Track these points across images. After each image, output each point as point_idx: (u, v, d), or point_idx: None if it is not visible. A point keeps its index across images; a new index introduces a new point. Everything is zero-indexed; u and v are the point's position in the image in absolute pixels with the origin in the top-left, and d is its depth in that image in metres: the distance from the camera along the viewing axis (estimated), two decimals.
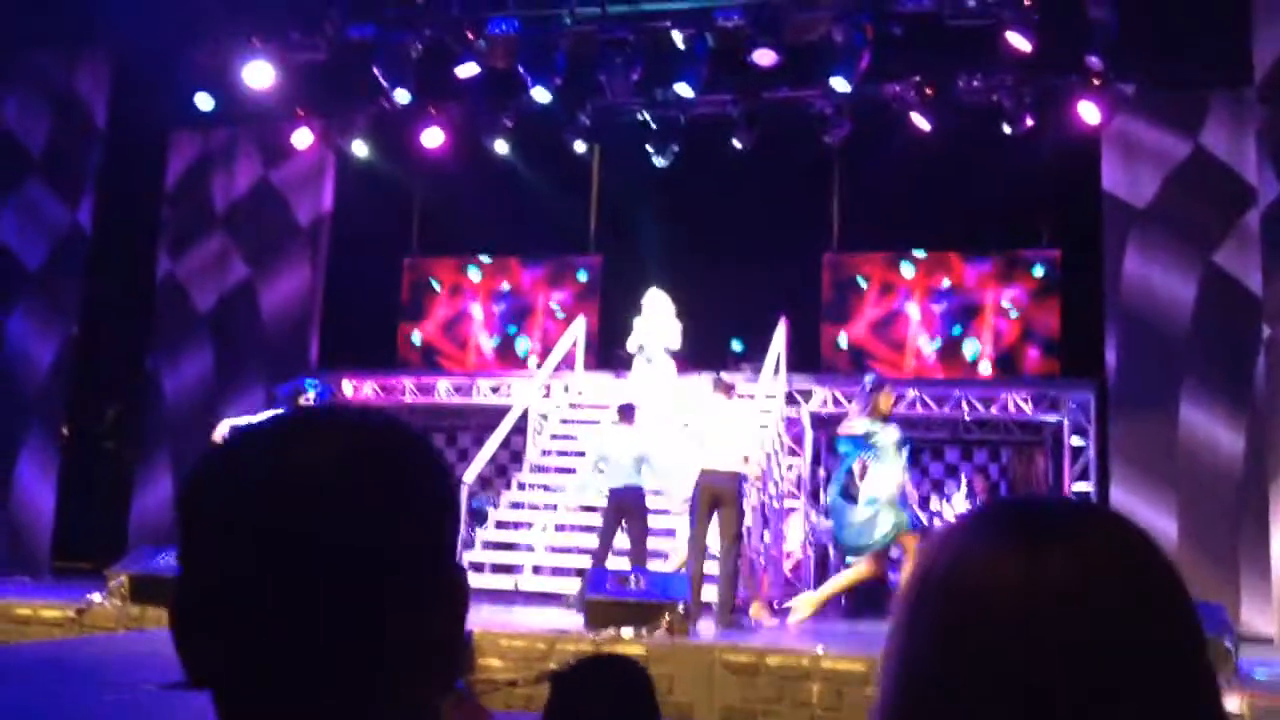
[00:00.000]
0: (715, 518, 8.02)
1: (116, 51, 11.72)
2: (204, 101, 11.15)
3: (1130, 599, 0.68)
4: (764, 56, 10.16)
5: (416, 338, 14.12)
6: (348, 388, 12.66)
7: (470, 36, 10.39)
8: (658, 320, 10.37)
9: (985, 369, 12.45)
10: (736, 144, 11.88)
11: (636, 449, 8.47)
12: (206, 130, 12.70)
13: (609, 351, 13.05)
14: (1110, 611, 0.67)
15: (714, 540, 8.15)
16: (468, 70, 10.49)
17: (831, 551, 11.72)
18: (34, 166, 11.76)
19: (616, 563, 8.50)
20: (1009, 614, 0.67)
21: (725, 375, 8.80)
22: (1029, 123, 10.87)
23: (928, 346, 12.70)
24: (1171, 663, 0.68)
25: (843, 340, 12.94)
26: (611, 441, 8.67)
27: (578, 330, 12.42)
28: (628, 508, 8.35)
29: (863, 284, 12.97)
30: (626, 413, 8.86)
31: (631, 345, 10.72)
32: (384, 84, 10.56)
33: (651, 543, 8.75)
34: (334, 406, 0.89)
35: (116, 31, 11.28)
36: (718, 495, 7.91)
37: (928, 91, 11.21)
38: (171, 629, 0.75)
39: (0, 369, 11.43)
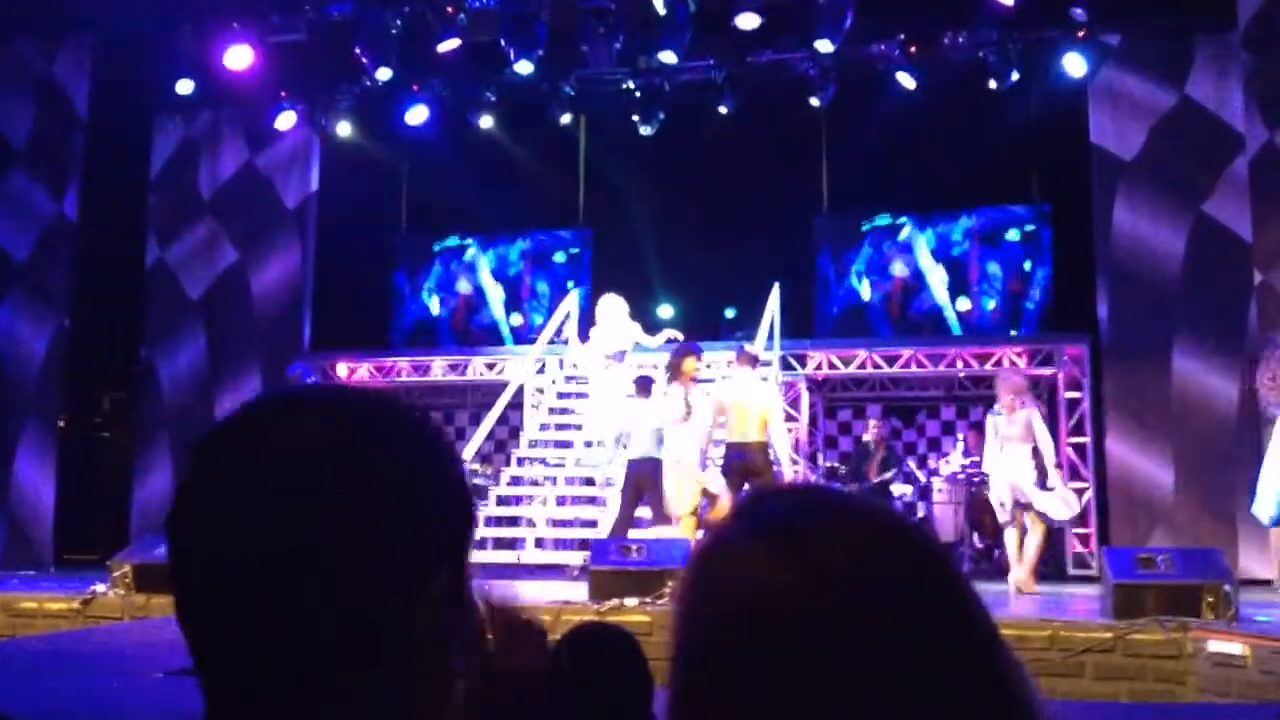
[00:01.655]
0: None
1: (96, 38, 11.60)
2: (185, 86, 11.07)
3: (866, 592, 0.65)
4: (747, 20, 10.10)
5: (409, 316, 14.09)
6: (342, 369, 12.65)
7: (450, 11, 10.31)
8: (611, 327, 10.13)
9: (978, 325, 12.46)
10: (722, 109, 11.83)
11: (654, 421, 8.48)
12: (190, 115, 12.62)
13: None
14: (839, 606, 0.64)
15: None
16: (449, 45, 10.41)
17: None
18: (16, 157, 11.67)
19: (637, 535, 8.53)
20: (730, 616, 0.66)
21: (749, 345, 8.75)
22: (1015, 78, 10.82)
23: (920, 304, 12.71)
24: (950, 637, 0.66)
25: (836, 302, 12.93)
26: (630, 415, 8.69)
27: (570, 304, 12.40)
28: (647, 479, 8.36)
29: (854, 245, 12.95)
30: (644, 386, 8.85)
31: (591, 353, 10.40)
32: (365, 62, 10.49)
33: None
34: (332, 385, 0.88)
35: (95, 18, 11.18)
36: (749, 467, 7.91)
37: (913, 50, 11.15)
38: (177, 615, 0.74)
39: None
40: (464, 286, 14.02)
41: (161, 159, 12.82)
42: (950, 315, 12.64)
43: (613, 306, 10.20)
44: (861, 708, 0.63)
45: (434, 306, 14.10)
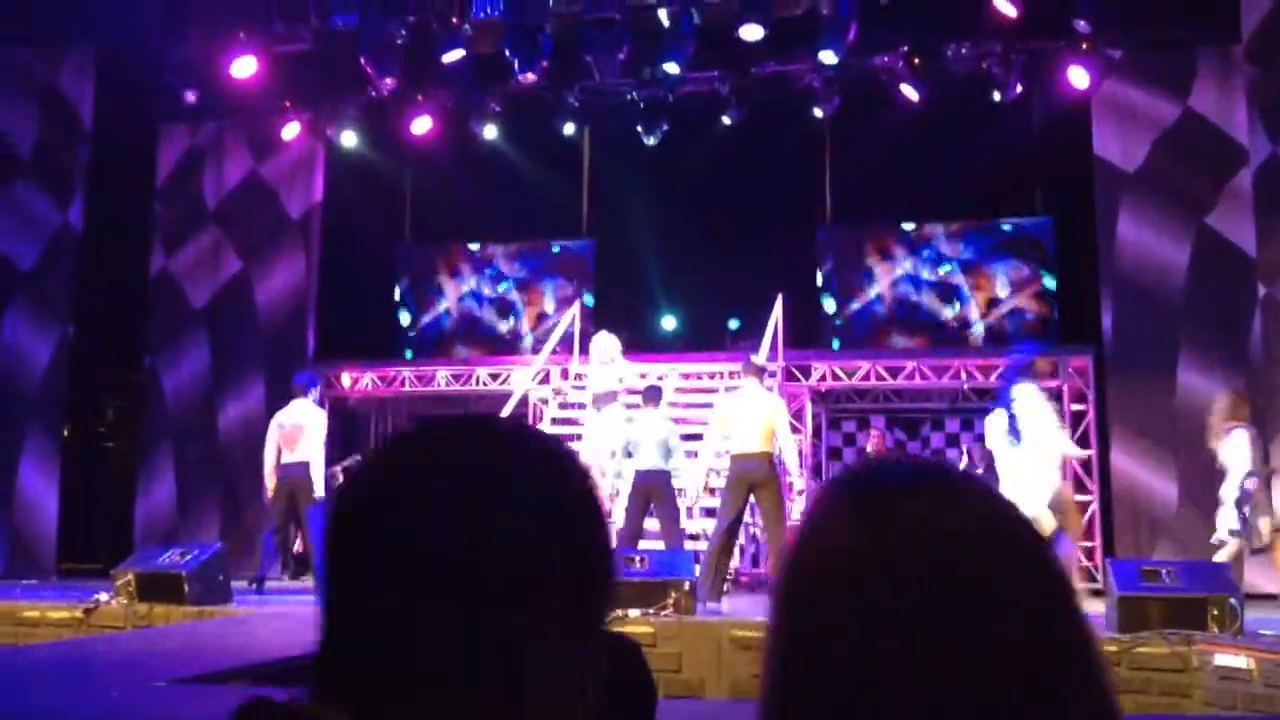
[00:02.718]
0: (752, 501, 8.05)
1: (101, 48, 11.64)
2: (190, 96, 11.10)
3: (992, 548, 0.67)
4: (751, 31, 10.11)
5: (413, 327, 14.10)
6: (346, 378, 12.66)
7: (455, 22, 10.34)
8: (603, 367, 10.00)
9: (982, 337, 12.46)
10: (726, 120, 11.86)
11: (661, 434, 8.47)
12: (195, 125, 12.65)
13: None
14: (947, 572, 0.65)
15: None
16: (454, 56, 10.44)
17: None
18: (22, 167, 11.70)
19: (645, 546, 8.52)
20: (845, 586, 0.66)
21: (755, 357, 8.72)
22: (1018, 90, 10.85)
23: (924, 315, 12.70)
24: (1042, 604, 0.67)
25: (839, 314, 12.93)
26: (638, 425, 8.67)
27: (574, 314, 12.41)
28: (654, 490, 8.33)
29: (858, 257, 12.96)
30: (652, 395, 8.82)
31: (588, 395, 10.16)
32: (370, 73, 10.51)
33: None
34: (476, 417, 0.90)
35: (100, 28, 11.21)
36: (754, 479, 7.87)
37: (916, 61, 11.17)
38: (319, 648, 0.75)
39: None
40: (467, 296, 14.03)
41: (166, 168, 12.85)
42: (953, 326, 12.63)
43: (605, 345, 10.03)
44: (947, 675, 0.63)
45: (438, 316, 14.10)
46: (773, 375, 11.13)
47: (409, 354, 13.73)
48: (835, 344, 12.53)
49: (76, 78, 11.76)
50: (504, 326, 13.93)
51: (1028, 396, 7.64)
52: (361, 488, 0.79)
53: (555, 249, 13.92)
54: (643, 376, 10.06)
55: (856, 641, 0.65)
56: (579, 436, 11.06)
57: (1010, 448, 7.58)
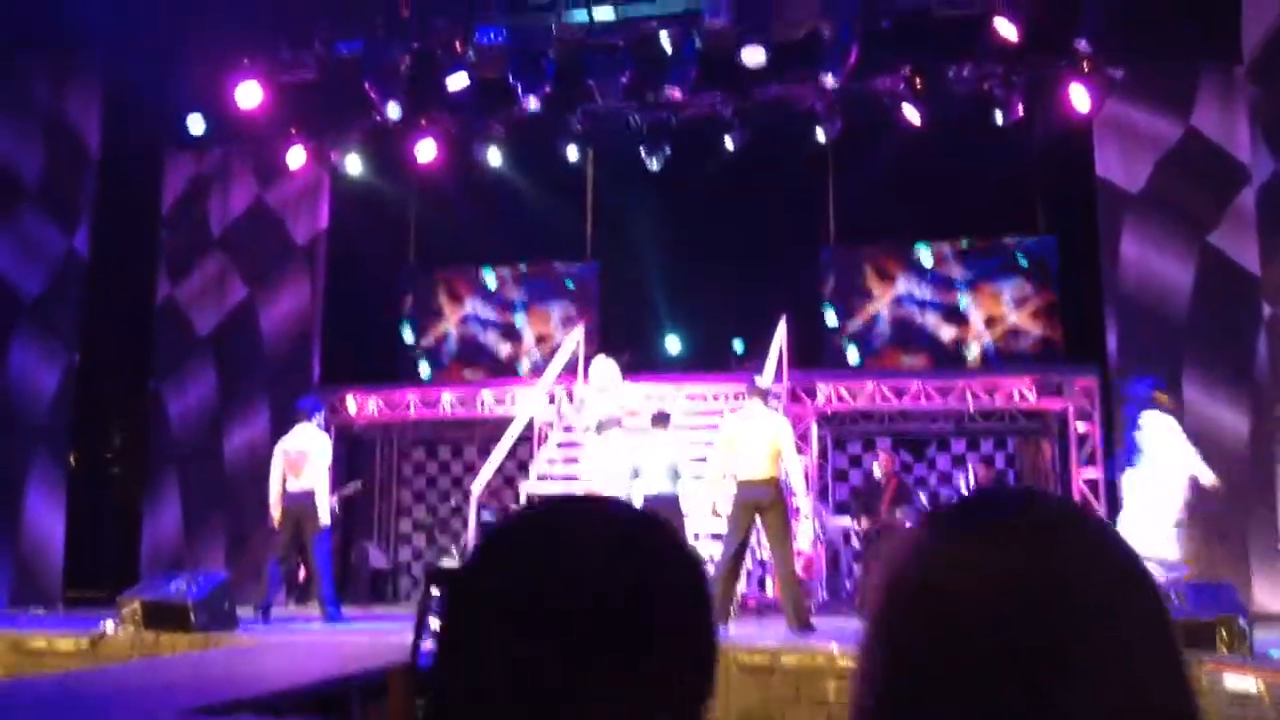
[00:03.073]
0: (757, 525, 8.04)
1: (107, 76, 11.71)
2: (196, 124, 11.16)
3: (1101, 588, 0.68)
4: (753, 55, 10.16)
5: (418, 351, 14.13)
6: (351, 403, 12.67)
7: (459, 48, 10.40)
8: (602, 392, 9.85)
9: (987, 358, 12.46)
10: (729, 143, 11.90)
11: (669, 458, 8.46)
12: (200, 152, 12.72)
13: (610, 355, 13.06)
14: (1083, 602, 0.67)
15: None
16: (458, 82, 10.49)
17: (843, 549, 11.74)
18: (28, 195, 11.75)
19: None
20: (984, 612, 0.67)
21: (759, 379, 8.70)
22: (1020, 111, 10.87)
23: (927, 336, 12.71)
24: (1147, 644, 0.68)
25: (844, 335, 12.94)
26: (646, 449, 8.66)
27: (578, 337, 12.42)
28: (664, 516, 8.31)
29: (862, 277, 12.98)
30: (661, 419, 8.82)
31: (587, 419, 10.14)
32: (375, 99, 10.57)
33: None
34: (593, 498, 0.92)
35: (106, 56, 11.28)
36: (760, 504, 7.86)
37: (918, 83, 11.21)
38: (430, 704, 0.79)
39: (3, 400, 11.42)
40: (471, 320, 14.05)
41: (172, 196, 12.91)
42: (957, 347, 12.63)
43: (605, 371, 10.00)
44: (1094, 693, 0.65)
45: (441, 340, 14.13)
46: (777, 397, 11.13)
47: (427, 375, 13.73)
48: (855, 358, 12.52)
49: (83, 106, 11.83)
50: (508, 350, 13.95)
51: (1153, 424, 7.65)
52: (491, 566, 0.82)
53: (559, 272, 13.95)
54: (648, 398, 10.05)
55: (956, 678, 0.66)
56: (573, 460, 11.12)
57: (1137, 474, 7.54)
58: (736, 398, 11.58)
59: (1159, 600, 0.71)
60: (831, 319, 12.98)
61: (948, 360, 12.52)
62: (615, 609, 0.77)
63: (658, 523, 0.86)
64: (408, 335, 14.16)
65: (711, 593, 0.86)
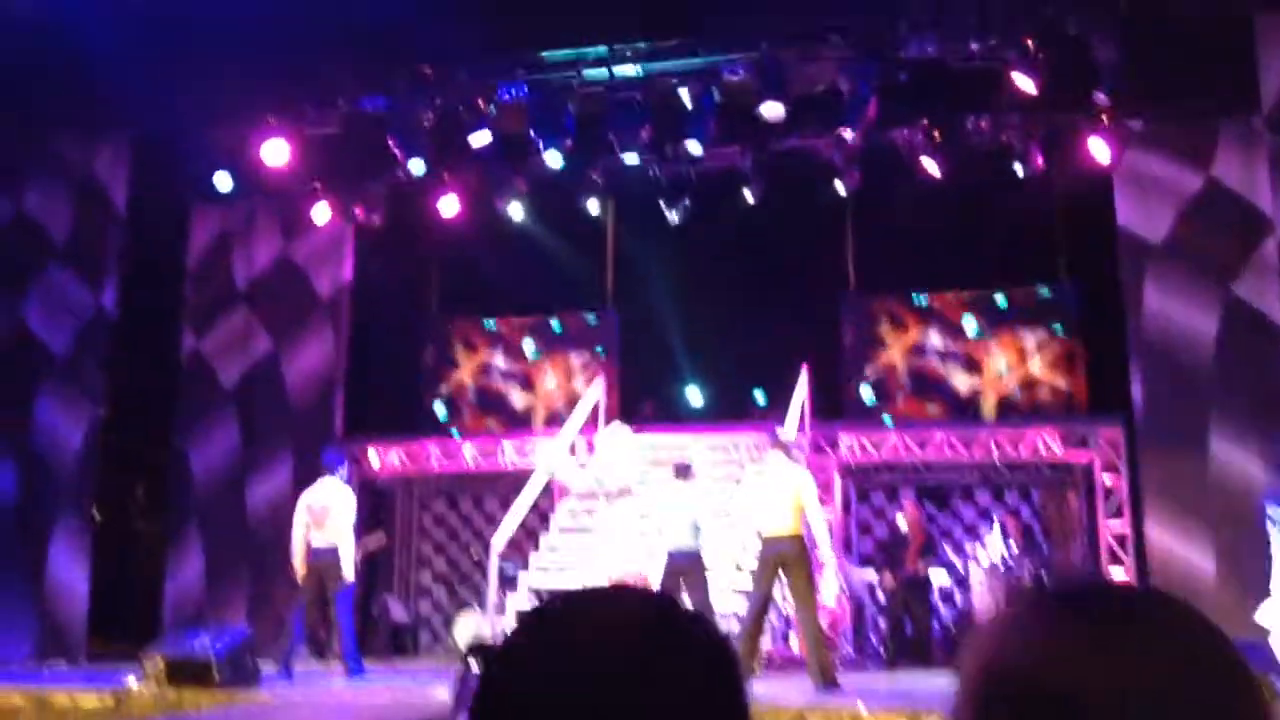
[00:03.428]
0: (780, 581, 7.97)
1: (135, 134, 11.91)
2: (223, 181, 11.32)
3: (1212, 689, 0.69)
4: (771, 109, 10.23)
5: (440, 403, 14.17)
6: (373, 456, 12.70)
7: (481, 104, 10.53)
8: (615, 457, 9.82)
9: (1007, 408, 12.38)
10: (748, 194, 11.97)
11: (691, 512, 8.42)
12: (226, 207, 12.87)
13: (631, 406, 13.08)
14: (1196, 703, 0.68)
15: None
16: (480, 138, 10.61)
17: (868, 602, 11.63)
18: (57, 252, 11.92)
19: None
20: (1099, 712, 0.67)
21: (781, 431, 8.67)
22: (1039, 162, 10.89)
23: (948, 387, 12.66)
24: None
25: (866, 385, 12.91)
26: (669, 503, 8.62)
27: (598, 389, 12.43)
28: (687, 571, 8.27)
29: (883, 328, 12.96)
30: (684, 471, 8.79)
31: (599, 484, 10.11)
32: (398, 154, 10.69)
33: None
34: (628, 590, 0.92)
35: (135, 115, 11.48)
36: (784, 559, 7.81)
37: (936, 135, 11.25)
38: None
39: (30, 455, 11.51)
40: (493, 371, 14.10)
41: (198, 251, 13.06)
42: (983, 398, 12.57)
43: (618, 437, 9.94)
44: None
45: (463, 391, 14.17)
46: (800, 449, 11.09)
47: (445, 420, 13.74)
48: (874, 409, 12.47)
49: (111, 164, 12.02)
50: (529, 400, 13.97)
51: None
52: (529, 652, 0.82)
53: (580, 323, 14.00)
54: (666, 449, 10.00)
55: None
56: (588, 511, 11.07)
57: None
58: (757, 449, 11.55)
59: (1264, 706, 0.71)
60: (851, 369, 12.95)
61: (967, 411, 12.46)
62: (649, 703, 0.77)
63: (689, 617, 0.87)
64: (429, 387, 14.20)
65: (742, 679, 0.86)
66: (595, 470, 9.89)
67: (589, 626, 0.82)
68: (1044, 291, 12.63)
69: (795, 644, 9.92)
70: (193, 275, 13.03)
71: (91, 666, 10.51)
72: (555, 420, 13.23)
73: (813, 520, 8.07)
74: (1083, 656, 0.69)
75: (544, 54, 10.46)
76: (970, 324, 12.76)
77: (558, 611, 0.85)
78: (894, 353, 12.90)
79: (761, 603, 7.89)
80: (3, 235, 11.41)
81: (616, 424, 10.18)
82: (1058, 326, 12.46)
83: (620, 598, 0.87)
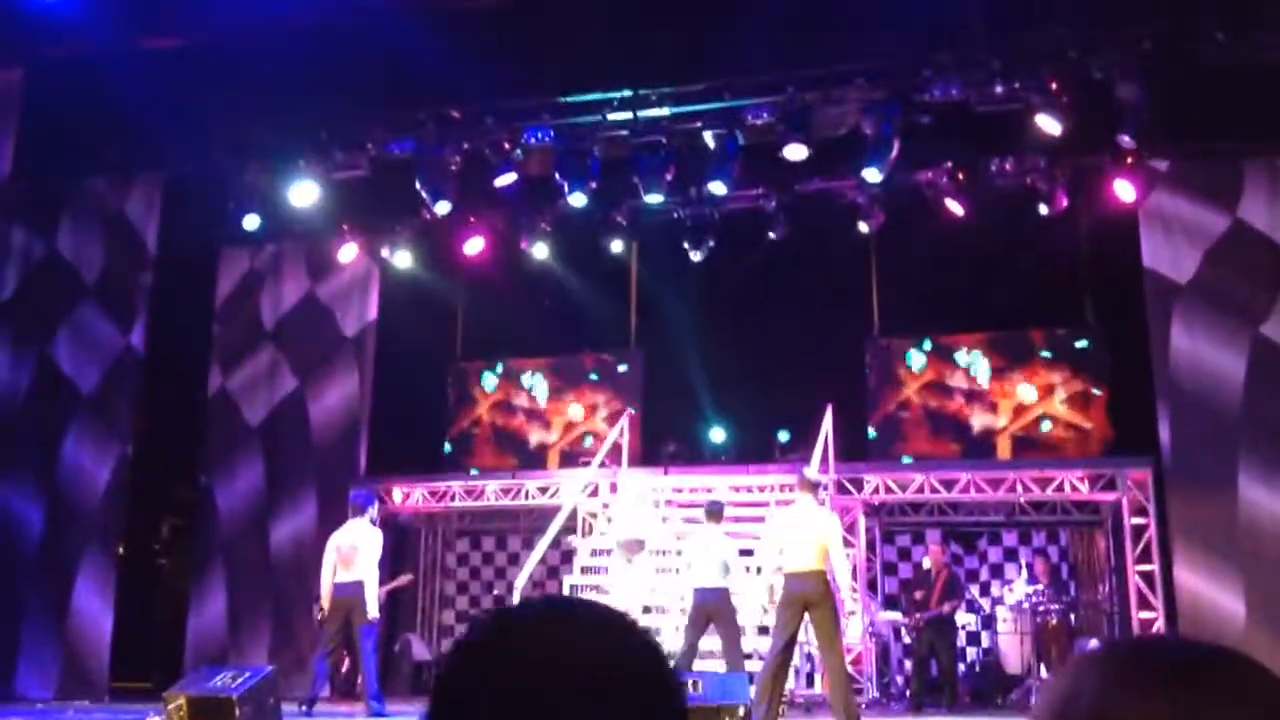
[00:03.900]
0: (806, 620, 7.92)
1: (167, 176, 12.10)
2: (251, 222, 11.46)
3: None
4: (795, 151, 10.28)
5: (462, 442, 14.19)
6: (397, 494, 12.73)
7: (507, 147, 10.63)
8: (633, 511, 9.54)
9: (1036, 450, 12.29)
10: (771, 235, 12.01)
11: (720, 550, 8.40)
12: (254, 248, 13.03)
13: (655, 446, 13.07)
14: None
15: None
16: (506, 180, 10.71)
17: (893, 643, 11.51)
18: (88, 292, 12.08)
19: (703, 666, 8.41)
20: None
21: (808, 471, 8.62)
22: (1064, 203, 10.89)
23: (977, 428, 12.57)
24: None
25: (887, 425, 12.85)
26: (697, 542, 8.60)
27: (622, 427, 12.44)
28: (714, 610, 8.25)
29: (906, 368, 12.92)
30: (714, 512, 8.76)
31: (616, 535, 9.95)
32: (425, 197, 10.80)
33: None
34: (577, 603, 0.93)
35: (167, 157, 11.67)
36: (808, 599, 7.75)
37: (960, 177, 11.29)
38: None
39: (57, 492, 11.60)
40: (518, 411, 14.12)
41: (226, 291, 13.20)
42: (1008, 438, 12.48)
43: (635, 490, 9.86)
44: None
45: (487, 431, 14.19)
46: (825, 489, 11.05)
47: (459, 468, 13.75)
48: (885, 455, 12.41)
49: (144, 206, 12.21)
50: (552, 440, 13.98)
51: None
52: (467, 672, 0.84)
53: (603, 363, 14.03)
54: (707, 505, 9.82)
55: None
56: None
57: None
58: (782, 489, 11.51)
59: None
60: (874, 409, 12.89)
61: (991, 452, 12.37)
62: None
63: (622, 623, 0.88)
64: (452, 426, 14.24)
65: (676, 681, 0.87)
66: (611, 524, 9.78)
67: (527, 649, 0.83)
68: (1069, 333, 12.56)
69: (819, 685, 9.82)
70: (220, 314, 13.17)
71: (114, 704, 10.53)
72: (578, 460, 13.23)
73: (837, 564, 8.01)
74: (1154, 707, 0.69)
75: (569, 98, 10.56)
76: (994, 365, 12.69)
77: (496, 631, 0.86)
78: (917, 393, 12.84)
79: (785, 643, 7.82)
80: (36, 275, 11.57)
81: (633, 474, 10.14)
82: (1083, 368, 12.37)
83: (556, 615, 0.87)
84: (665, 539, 10.57)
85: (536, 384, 14.15)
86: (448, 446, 14.17)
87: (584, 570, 11.27)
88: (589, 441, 13.49)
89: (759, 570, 8.84)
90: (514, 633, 0.85)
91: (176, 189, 12.04)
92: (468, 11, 9.37)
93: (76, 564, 11.58)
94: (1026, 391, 12.46)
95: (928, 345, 12.90)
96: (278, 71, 9.51)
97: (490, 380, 14.25)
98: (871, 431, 12.79)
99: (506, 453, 14.00)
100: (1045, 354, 12.54)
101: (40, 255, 11.84)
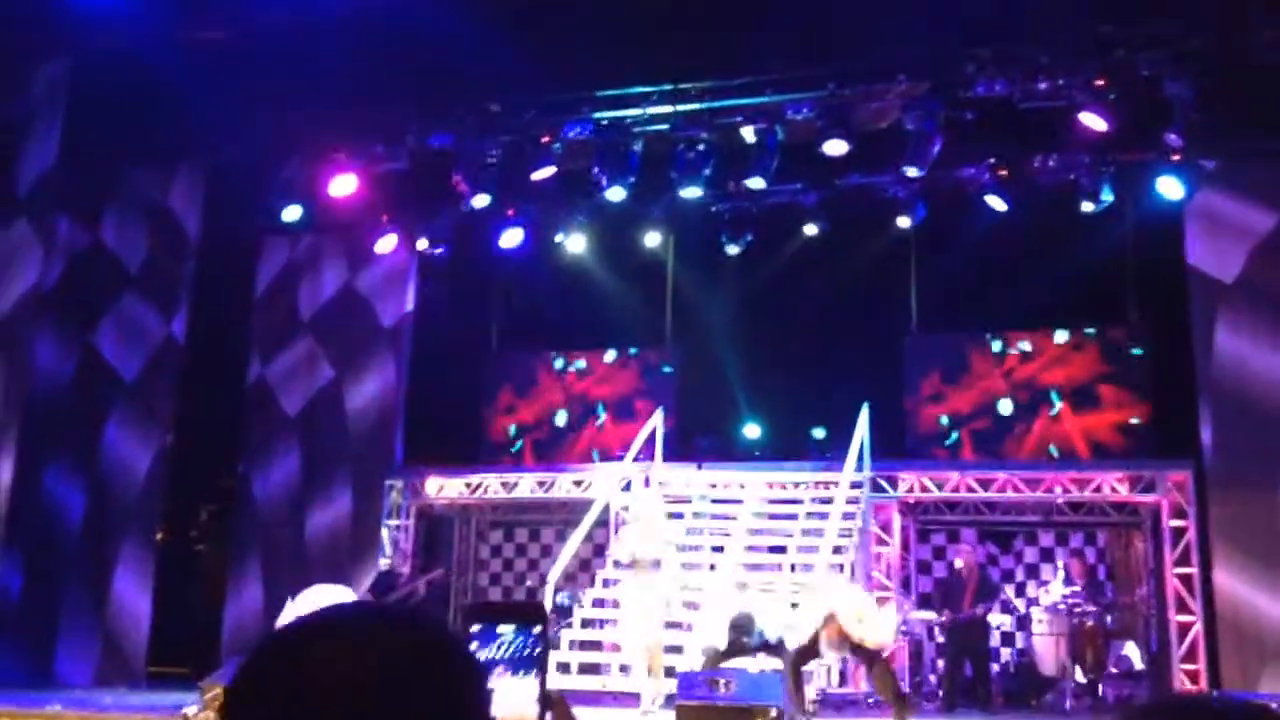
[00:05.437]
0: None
1: (210, 167, 12.20)
2: (292, 213, 11.53)
3: None
4: (835, 147, 10.21)
5: (499, 433, 14.24)
6: (433, 485, 12.79)
7: (546, 141, 10.64)
8: (646, 527, 9.22)
9: (1077, 449, 12.16)
10: (810, 230, 11.94)
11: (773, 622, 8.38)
12: (294, 238, 13.11)
13: (689, 441, 13.05)
14: None
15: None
16: (544, 173, 10.72)
17: (926, 643, 11.46)
18: (131, 281, 12.21)
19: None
20: None
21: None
22: (1108, 200, 10.74)
23: (1015, 426, 12.46)
24: None
25: (926, 423, 12.76)
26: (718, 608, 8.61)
27: (656, 422, 12.42)
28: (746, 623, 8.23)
29: (946, 366, 12.82)
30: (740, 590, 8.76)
31: (622, 555, 9.64)
32: (464, 190, 10.83)
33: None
34: (368, 609, 0.93)
35: (209, 147, 11.77)
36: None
37: (1002, 173, 11.18)
38: None
39: (99, 479, 11.75)
40: (553, 404, 14.15)
41: (266, 280, 13.31)
42: (1046, 438, 12.36)
43: (649, 506, 9.69)
44: None
45: (524, 423, 14.23)
46: (859, 486, 10.99)
47: (494, 459, 13.76)
48: (923, 454, 12.33)
49: (187, 196, 12.32)
50: (587, 433, 13.99)
51: None
52: (264, 679, 0.83)
53: (638, 356, 14.02)
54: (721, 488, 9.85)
55: None
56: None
57: None
58: (816, 486, 11.47)
59: None
60: (915, 406, 12.80)
61: (1035, 450, 12.26)
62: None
63: (411, 626, 0.87)
64: (488, 417, 14.28)
65: (480, 688, 0.88)
66: (624, 540, 9.60)
67: (324, 657, 0.82)
68: (1111, 331, 12.41)
69: (850, 683, 9.79)
70: (260, 304, 13.27)
71: (151, 690, 10.66)
72: (612, 453, 13.24)
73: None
74: None
75: (608, 92, 10.54)
76: (1034, 362, 12.57)
77: (290, 644, 0.85)
78: (955, 390, 12.74)
79: (808, 642, 7.86)
80: (81, 264, 11.71)
81: (648, 490, 10.06)
82: (1125, 367, 12.22)
83: (355, 623, 0.87)
84: (679, 553, 10.48)
85: (572, 376, 14.16)
86: (483, 438, 14.22)
87: (616, 564, 11.24)
88: (620, 436, 13.48)
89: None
90: (287, 654, 0.84)
91: (219, 179, 12.13)
92: (509, 4, 9.37)
93: (116, 550, 11.73)
94: (1067, 390, 12.33)
95: (967, 342, 12.79)
96: (320, 64, 9.56)
97: (527, 372, 14.28)
98: (908, 429, 12.71)
99: (541, 445, 14.03)
100: (1086, 352, 12.40)
101: (84, 245, 11.98)
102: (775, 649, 8.04)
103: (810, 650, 7.96)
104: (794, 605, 9.06)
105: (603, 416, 13.98)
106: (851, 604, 7.85)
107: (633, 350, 14.05)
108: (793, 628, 8.14)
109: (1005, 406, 12.51)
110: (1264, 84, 9.47)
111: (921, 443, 12.60)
